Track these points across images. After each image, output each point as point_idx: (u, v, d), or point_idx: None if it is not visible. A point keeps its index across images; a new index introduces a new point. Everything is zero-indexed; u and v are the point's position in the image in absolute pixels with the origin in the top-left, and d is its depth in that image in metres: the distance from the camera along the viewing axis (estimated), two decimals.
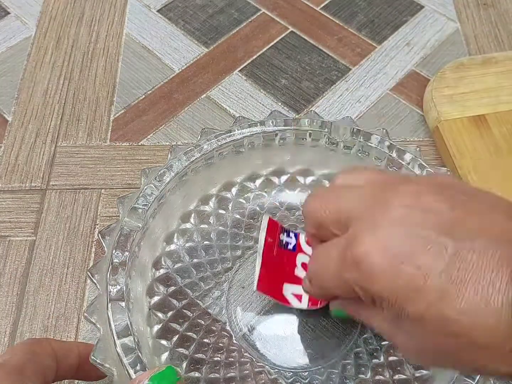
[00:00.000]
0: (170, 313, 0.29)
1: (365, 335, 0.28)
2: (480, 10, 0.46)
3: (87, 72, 0.43)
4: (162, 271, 0.30)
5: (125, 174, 0.37)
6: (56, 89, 0.42)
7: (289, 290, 0.27)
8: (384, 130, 0.31)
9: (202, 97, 0.41)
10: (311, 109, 0.40)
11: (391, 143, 0.30)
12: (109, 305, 0.25)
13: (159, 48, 0.44)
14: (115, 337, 0.24)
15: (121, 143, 0.39)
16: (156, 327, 0.28)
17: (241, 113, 0.40)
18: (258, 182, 0.33)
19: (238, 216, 0.32)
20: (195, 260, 0.31)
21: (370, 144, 0.30)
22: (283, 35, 0.45)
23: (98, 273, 0.26)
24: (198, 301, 0.29)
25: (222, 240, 0.31)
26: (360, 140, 0.30)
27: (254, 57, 0.44)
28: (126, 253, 0.26)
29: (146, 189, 0.28)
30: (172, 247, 0.31)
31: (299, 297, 0.27)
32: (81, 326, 0.31)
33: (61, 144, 0.39)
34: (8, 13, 0.47)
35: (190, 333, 0.28)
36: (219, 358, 0.28)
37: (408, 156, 0.29)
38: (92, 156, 0.38)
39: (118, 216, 0.28)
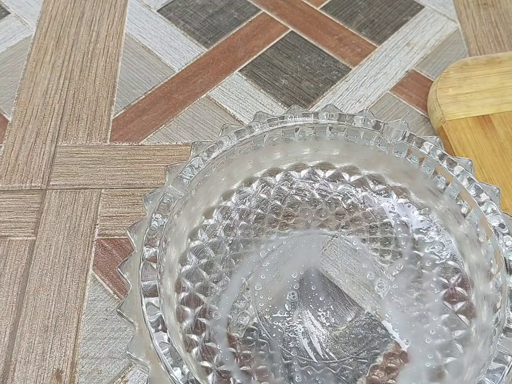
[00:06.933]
0: (198, 284, 0.30)
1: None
2: (480, 10, 0.46)
3: (87, 72, 0.43)
4: (197, 242, 0.31)
5: (125, 174, 0.37)
6: (56, 89, 0.42)
7: None
8: (438, 139, 0.30)
9: (202, 97, 0.41)
10: (311, 108, 0.40)
11: (443, 153, 0.29)
12: (141, 264, 0.25)
13: (159, 48, 0.44)
14: (142, 295, 0.24)
15: (121, 143, 0.39)
16: (183, 294, 0.29)
17: (241, 113, 0.40)
18: (304, 172, 0.33)
19: (278, 203, 0.33)
20: (230, 238, 0.31)
21: (421, 150, 0.30)
22: (283, 35, 0.45)
23: (136, 233, 0.27)
24: (227, 277, 0.30)
25: (259, 223, 0.32)
26: (412, 145, 0.30)
27: (254, 57, 0.44)
28: (166, 219, 0.27)
29: (193, 161, 0.29)
30: (210, 221, 0.31)
31: None
32: (81, 326, 0.31)
33: (61, 144, 0.39)
34: (8, 13, 0.47)
35: (214, 305, 0.29)
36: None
37: (458, 169, 0.29)
38: (92, 156, 0.38)
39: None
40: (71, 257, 0.34)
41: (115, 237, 0.35)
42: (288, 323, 0.30)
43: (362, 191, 0.33)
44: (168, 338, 0.24)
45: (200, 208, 0.31)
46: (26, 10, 0.47)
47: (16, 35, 0.45)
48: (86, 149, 0.39)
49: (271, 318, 0.30)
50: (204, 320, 0.29)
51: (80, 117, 0.40)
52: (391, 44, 0.44)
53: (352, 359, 0.29)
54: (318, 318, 0.30)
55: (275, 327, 0.29)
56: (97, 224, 0.35)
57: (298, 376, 0.28)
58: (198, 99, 0.41)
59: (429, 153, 0.30)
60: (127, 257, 0.26)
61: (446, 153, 0.29)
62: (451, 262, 0.30)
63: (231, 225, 0.32)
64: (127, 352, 0.24)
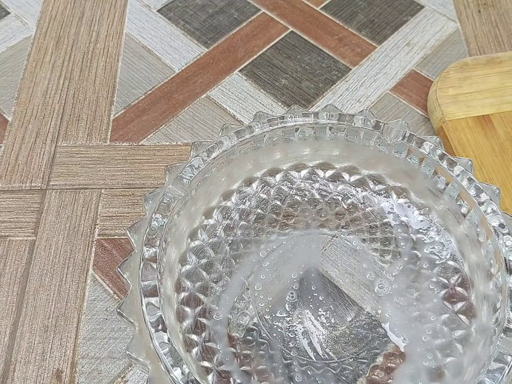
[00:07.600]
0: (198, 284, 0.30)
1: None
2: (480, 10, 0.46)
3: (87, 72, 0.43)
4: (197, 242, 0.31)
5: (125, 174, 0.37)
6: (56, 89, 0.42)
7: None
8: (438, 139, 0.30)
9: (202, 97, 0.41)
10: (311, 108, 0.40)
11: (443, 153, 0.29)
12: (141, 264, 0.25)
13: (159, 48, 0.44)
14: (142, 295, 0.24)
15: (121, 143, 0.39)
16: (183, 294, 0.29)
17: (241, 113, 0.40)
18: (304, 172, 0.33)
19: (278, 203, 0.33)
20: (230, 238, 0.32)
21: (421, 150, 0.30)
22: (283, 35, 0.45)
23: (136, 233, 0.27)
24: (227, 277, 0.31)
25: (260, 223, 0.32)
26: (412, 145, 0.30)
27: (254, 57, 0.44)
28: (166, 219, 0.27)
29: (193, 161, 0.29)
30: (210, 221, 0.32)
31: None
32: (81, 326, 0.31)
33: (61, 144, 0.39)
34: (8, 13, 0.47)
35: (214, 305, 0.29)
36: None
37: (458, 169, 0.29)
38: (92, 156, 0.38)
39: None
40: (71, 257, 0.34)
41: (115, 237, 0.35)
42: (288, 323, 0.30)
43: (362, 191, 0.33)
44: (168, 338, 0.24)
45: (200, 208, 0.31)
46: (26, 10, 0.47)
47: (16, 35, 0.45)
48: (86, 149, 0.39)
49: (271, 318, 0.30)
50: (204, 320, 0.29)
51: (80, 117, 0.40)
52: (391, 44, 0.44)
53: (352, 359, 0.29)
54: (318, 318, 0.30)
55: (275, 327, 0.29)
56: (97, 224, 0.35)
57: (298, 376, 0.28)
58: (198, 99, 0.41)
59: (429, 153, 0.30)
60: (127, 257, 0.26)
61: (446, 153, 0.29)
62: (451, 262, 0.30)
63: (231, 225, 0.32)
64: (127, 352, 0.24)
